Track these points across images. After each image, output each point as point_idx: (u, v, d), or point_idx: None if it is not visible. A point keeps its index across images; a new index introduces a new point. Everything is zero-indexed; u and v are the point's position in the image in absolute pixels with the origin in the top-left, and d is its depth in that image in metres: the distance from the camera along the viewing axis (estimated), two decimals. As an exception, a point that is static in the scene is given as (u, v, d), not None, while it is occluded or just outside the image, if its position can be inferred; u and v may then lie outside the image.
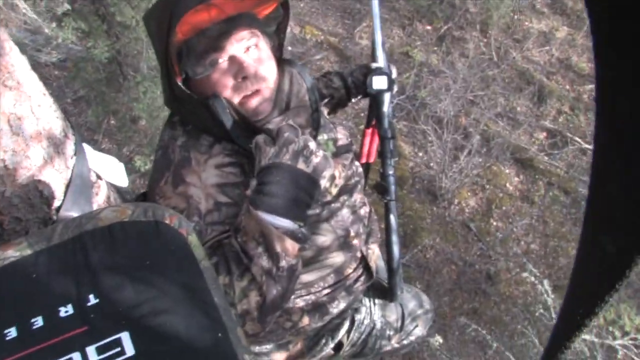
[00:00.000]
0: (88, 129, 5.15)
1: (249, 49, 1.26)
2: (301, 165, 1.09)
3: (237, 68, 1.24)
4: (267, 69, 1.29)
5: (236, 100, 1.26)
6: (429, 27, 5.89)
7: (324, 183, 1.13)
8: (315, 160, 1.11)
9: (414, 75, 5.06)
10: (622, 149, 0.32)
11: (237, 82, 1.25)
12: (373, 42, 1.74)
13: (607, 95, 0.31)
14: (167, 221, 0.76)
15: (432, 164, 4.32)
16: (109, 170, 1.09)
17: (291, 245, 1.05)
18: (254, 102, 1.27)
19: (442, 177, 4.09)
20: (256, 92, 1.27)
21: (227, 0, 1.18)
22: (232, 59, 1.24)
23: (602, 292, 0.37)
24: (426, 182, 4.30)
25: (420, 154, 4.54)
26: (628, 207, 0.33)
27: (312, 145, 1.13)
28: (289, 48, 5.72)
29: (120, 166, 1.14)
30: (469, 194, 4.22)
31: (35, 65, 5.12)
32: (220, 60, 1.24)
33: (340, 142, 1.46)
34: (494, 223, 4.08)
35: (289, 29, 5.92)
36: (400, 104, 4.90)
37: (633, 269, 0.34)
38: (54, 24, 4.20)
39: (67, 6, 4.17)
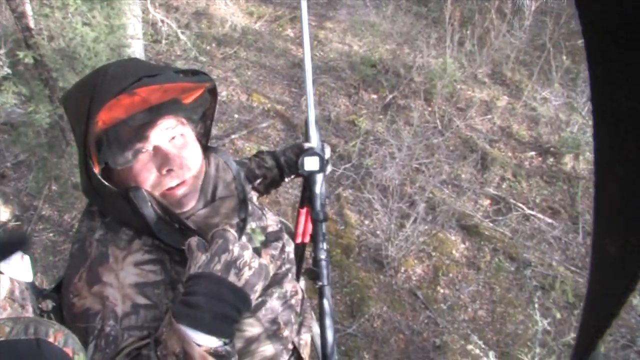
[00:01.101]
0: (28, 194, 5.01)
1: (174, 138, 1.21)
2: (232, 277, 1.02)
3: (162, 159, 1.18)
4: (192, 158, 1.23)
5: (159, 192, 1.20)
6: (374, 96, 6.03)
7: (254, 297, 1.07)
8: (248, 273, 1.04)
9: (359, 144, 5.14)
10: (624, 145, 0.31)
11: (161, 173, 1.19)
12: (306, 121, 1.73)
13: (605, 94, 0.31)
14: (50, 339, 0.69)
15: (378, 232, 4.31)
16: (10, 265, 1.02)
17: None
18: (178, 193, 1.22)
19: (388, 246, 4.09)
20: (181, 183, 1.21)
21: (152, 90, 1.14)
22: (157, 150, 1.18)
23: (619, 293, 0.37)
24: (372, 251, 4.29)
25: (366, 222, 4.55)
26: (630, 208, 0.32)
27: (247, 255, 1.05)
28: (235, 115, 5.75)
29: (25, 259, 1.07)
30: (415, 261, 4.22)
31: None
32: (144, 151, 1.17)
33: (269, 229, 1.42)
34: (441, 290, 4.07)
35: (236, 97, 5.99)
36: (346, 172, 4.94)
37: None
38: (-8, 88, 4.10)
39: (7, 70, 4.10)
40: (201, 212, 1.25)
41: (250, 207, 1.34)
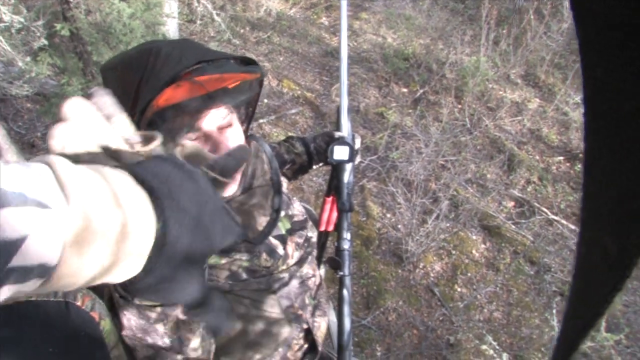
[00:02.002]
0: (56, 166, 5.06)
1: (223, 125, 1.19)
2: None
3: (212, 146, 1.16)
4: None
5: None
6: (405, 90, 5.99)
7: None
8: None
9: (387, 136, 5.11)
10: (619, 142, 0.31)
11: None
12: (338, 110, 1.72)
13: (598, 90, 0.31)
14: (78, 302, 0.70)
15: (399, 226, 4.30)
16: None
17: None
18: None
19: (408, 240, 4.08)
20: None
21: (212, 78, 1.10)
22: (207, 136, 1.16)
23: (606, 292, 0.37)
24: (392, 244, 4.28)
25: (388, 216, 4.53)
26: (628, 205, 0.32)
27: None
28: (265, 100, 5.76)
29: None
30: (434, 258, 4.20)
31: (7, 97, 5.09)
32: (194, 137, 1.16)
33: (295, 218, 1.43)
34: (458, 289, 4.05)
35: (266, 82, 5.96)
36: (371, 164, 4.92)
37: (633, 268, 0.34)
38: (28, 58, 4.16)
39: (44, 41, 4.15)
40: (238, 199, 1.26)
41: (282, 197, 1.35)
